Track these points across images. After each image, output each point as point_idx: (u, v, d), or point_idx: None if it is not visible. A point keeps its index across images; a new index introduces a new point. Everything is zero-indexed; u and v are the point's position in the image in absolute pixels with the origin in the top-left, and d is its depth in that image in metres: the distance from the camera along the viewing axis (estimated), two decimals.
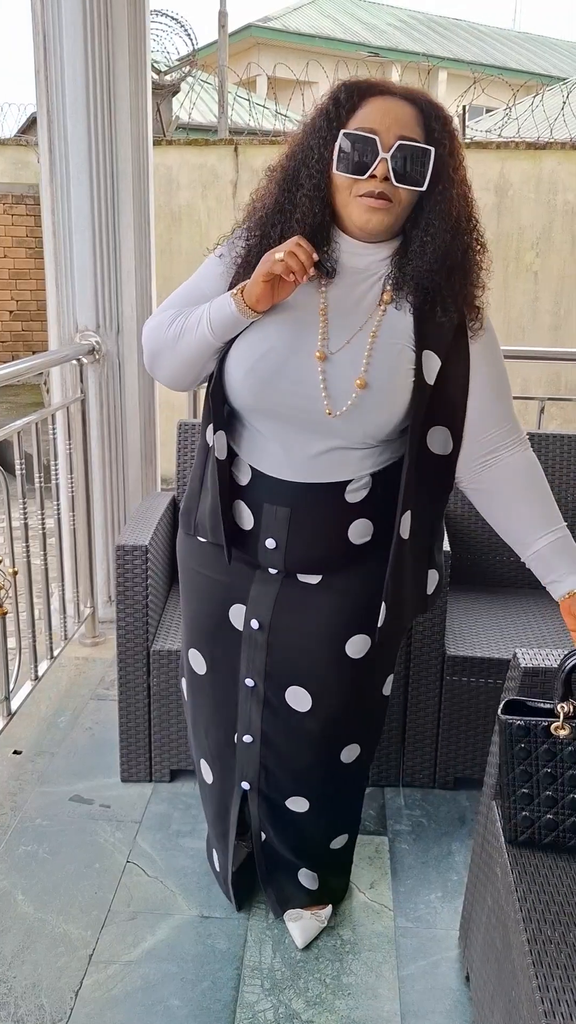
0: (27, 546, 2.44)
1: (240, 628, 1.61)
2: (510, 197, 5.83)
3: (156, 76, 6.30)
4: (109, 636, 3.06)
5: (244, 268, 1.43)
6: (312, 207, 1.37)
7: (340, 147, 1.32)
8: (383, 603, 1.49)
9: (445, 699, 2.22)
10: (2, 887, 1.92)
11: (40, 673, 2.58)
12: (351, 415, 1.40)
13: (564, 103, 6.07)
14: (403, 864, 2.02)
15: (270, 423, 1.45)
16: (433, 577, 1.59)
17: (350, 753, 1.69)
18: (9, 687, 2.33)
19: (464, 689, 2.20)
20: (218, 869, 1.89)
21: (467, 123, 7.02)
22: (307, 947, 1.77)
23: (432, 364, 1.41)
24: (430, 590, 1.60)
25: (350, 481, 1.47)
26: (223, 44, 5.91)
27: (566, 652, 1.44)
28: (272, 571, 1.55)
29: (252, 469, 1.49)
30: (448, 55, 16.04)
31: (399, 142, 1.30)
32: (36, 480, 2.53)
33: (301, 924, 1.79)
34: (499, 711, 1.43)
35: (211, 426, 1.49)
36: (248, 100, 9.44)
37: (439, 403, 1.44)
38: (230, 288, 1.43)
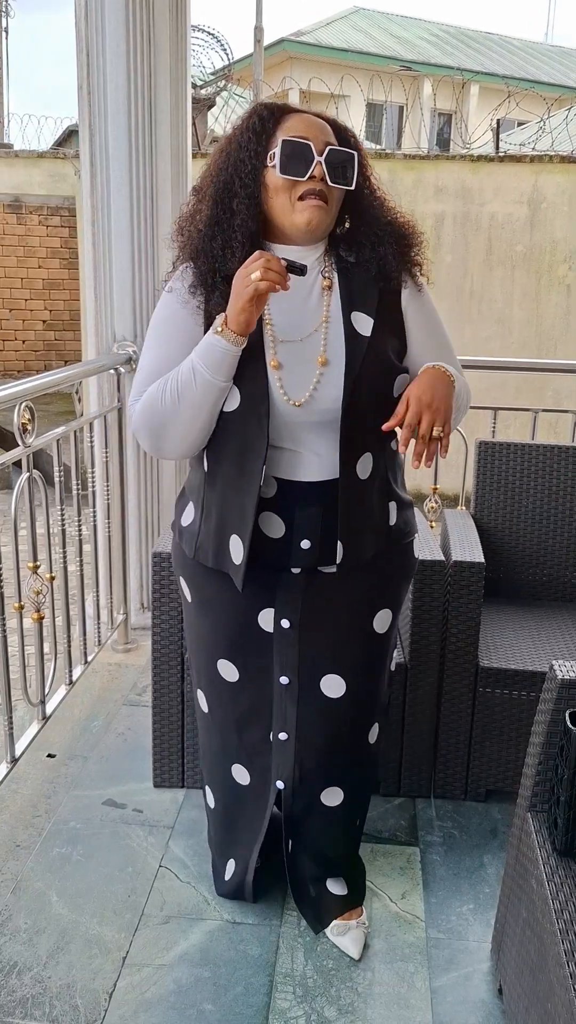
0: (64, 552, 2.47)
1: (270, 630, 1.64)
2: (543, 210, 5.82)
3: (192, 90, 6.36)
4: (141, 642, 3.09)
5: (223, 289, 1.46)
6: (249, 213, 1.46)
7: (281, 152, 1.42)
8: (339, 541, 1.54)
9: (478, 711, 2.22)
10: (37, 888, 1.94)
11: (74, 678, 2.61)
12: (318, 394, 1.47)
13: None
14: (434, 875, 2.02)
15: (279, 434, 1.49)
16: (392, 508, 1.64)
17: (373, 734, 1.78)
18: (45, 691, 2.37)
19: (497, 701, 2.20)
20: (231, 873, 1.89)
21: (500, 136, 7.01)
22: (342, 956, 1.78)
23: (362, 320, 1.50)
24: (392, 521, 1.64)
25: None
26: (259, 59, 5.97)
27: None
28: (295, 570, 1.59)
29: (276, 480, 1.53)
30: (480, 69, 16.04)
31: (329, 147, 1.43)
32: (73, 488, 2.57)
33: (351, 936, 1.79)
34: (568, 723, 1.43)
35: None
36: None
37: (378, 354, 1.50)
38: (204, 313, 1.50)
